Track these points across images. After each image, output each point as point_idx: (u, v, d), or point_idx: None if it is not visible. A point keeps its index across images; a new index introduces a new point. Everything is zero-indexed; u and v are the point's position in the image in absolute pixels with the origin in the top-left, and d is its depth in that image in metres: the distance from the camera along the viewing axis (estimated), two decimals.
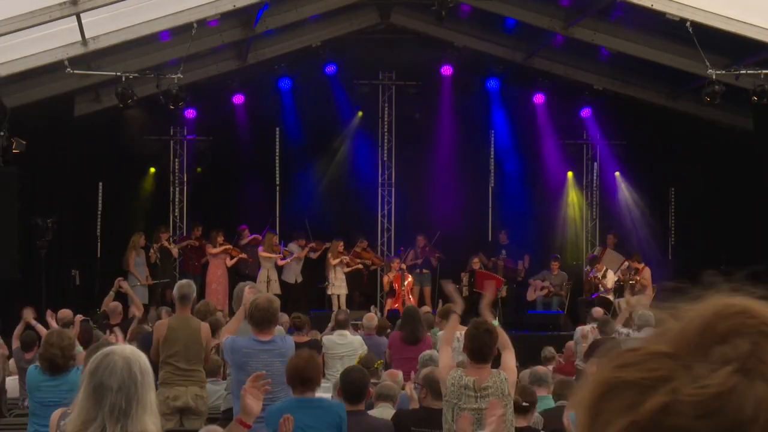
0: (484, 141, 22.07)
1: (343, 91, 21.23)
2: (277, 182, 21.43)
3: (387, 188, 21.97)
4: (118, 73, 16.43)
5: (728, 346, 1.04)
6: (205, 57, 18.68)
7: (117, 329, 10.80)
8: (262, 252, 19.56)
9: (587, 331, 13.70)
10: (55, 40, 15.33)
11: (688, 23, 15.65)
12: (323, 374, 9.95)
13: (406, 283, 19.92)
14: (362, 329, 12.98)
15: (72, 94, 18.07)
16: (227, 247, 19.60)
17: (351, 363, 9.96)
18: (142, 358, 3.09)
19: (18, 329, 11.94)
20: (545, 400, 8.68)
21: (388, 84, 21.92)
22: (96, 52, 15.98)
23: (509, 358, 6.62)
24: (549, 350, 14.12)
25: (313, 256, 20.14)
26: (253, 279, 17.74)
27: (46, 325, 11.99)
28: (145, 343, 9.53)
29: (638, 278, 19.25)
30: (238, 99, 20.92)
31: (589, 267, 20.26)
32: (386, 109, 21.92)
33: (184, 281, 10.05)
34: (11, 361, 12.29)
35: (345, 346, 11.81)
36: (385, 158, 21.98)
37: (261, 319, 7.26)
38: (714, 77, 16.24)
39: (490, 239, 21.56)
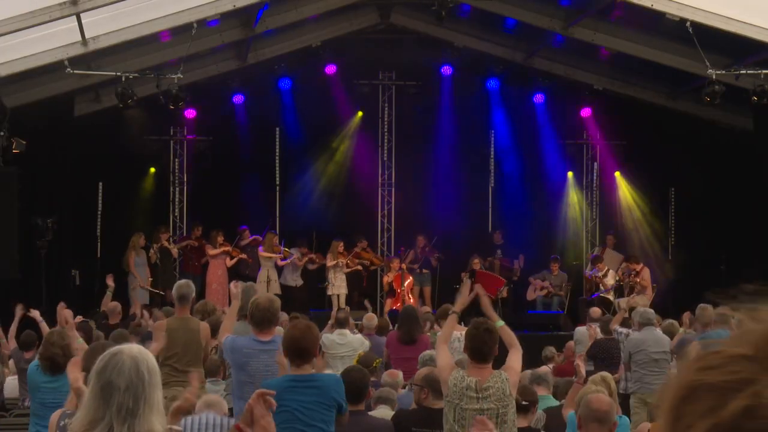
0: (484, 141, 22.07)
1: (343, 91, 21.21)
2: (277, 182, 21.43)
3: (387, 188, 21.97)
4: (118, 73, 16.43)
5: None
6: (205, 57, 18.68)
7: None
8: (262, 252, 19.56)
9: (589, 330, 13.66)
10: (55, 40, 15.32)
11: (688, 23, 15.65)
12: (320, 350, 9.89)
13: (406, 283, 19.91)
14: (363, 329, 12.98)
15: (72, 94, 18.07)
16: (226, 249, 19.59)
17: (351, 363, 9.96)
18: (150, 358, 3.09)
19: (12, 329, 11.91)
20: (545, 399, 8.68)
21: (388, 84, 21.92)
22: (96, 52, 15.98)
23: (515, 357, 6.60)
24: (550, 350, 14.14)
25: (311, 267, 20.14)
26: (253, 279, 17.76)
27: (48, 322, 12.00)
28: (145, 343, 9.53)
29: (638, 280, 19.23)
30: (238, 99, 20.92)
31: (591, 266, 20.24)
32: (386, 109, 21.92)
33: (182, 281, 10.04)
34: (11, 362, 12.27)
35: (345, 346, 11.81)
36: (385, 158, 21.98)
37: (262, 319, 7.24)
38: (714, 77, 16.23)
39: (492, 240, 21.52)
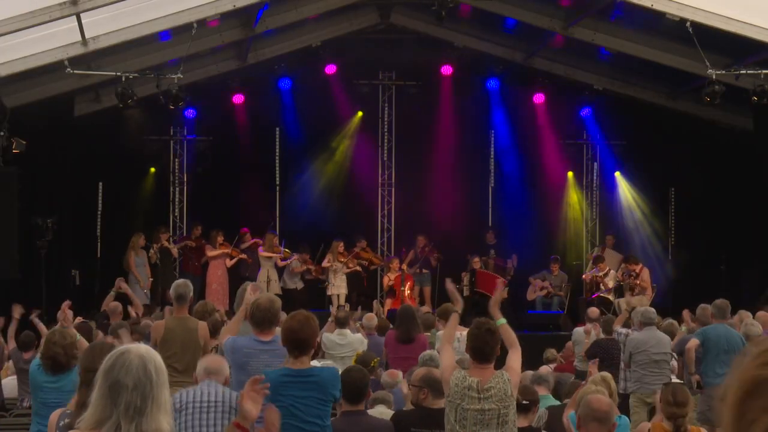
0: (484, 141, 22.08)
1: (343, 91, 21.22)
2: (277, 182, 21.44)
3: (387, 188, 21.98)
4: (118, 73, 16.43)
5: None
6: (205, 57, 18.67)
7: (123, 330, 10.75)
8: (262, 252, 19.56)
9: (589, 329, 13.68)
10: (55, 40, 15.32)
11: (688, 23, 15.65)
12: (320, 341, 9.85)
13: (407, 285, 19.91)
14: (363, 329, 12.98)
15: (72, 94, 18.07)
16: (225, 250, 19.58)
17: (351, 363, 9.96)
18: (157, 357, 3.09)
19: (11, 329, 11.90)
20: (545, 399, 8.69)
21: (388, 84, 21.92)
22: (96, 52, 15.97)
23: (514, 357, 6.60)
24: (551, 352, 14.16)
25: (308, 277, 20.14)
26: (253, 280, 17.74)
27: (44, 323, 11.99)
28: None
29: (638, 282, 19.21)
30: (238, 99, 20.92)
31: (593, 266, 20.23)
32: (386, 109, 21.92)
33: (180, 281, 10.01)
34: (10, 362, 12.27)
35: (346, 346, 11.80)
36: (385, 158, 21.98)
37: (262, 320, 7.23)
38: (714, 77, 16.23)
39: (485, 240, 21.50)
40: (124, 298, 13.57)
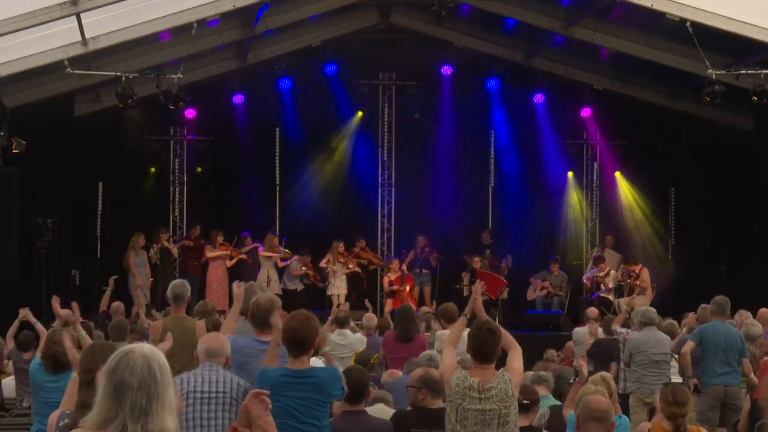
0: (484, 141, 22.07)
1: (343, 91, 21.22)
2: (277, 182, 21.43)
3: (387, 188, 21.97)
4: (118, 73, 16.43)
5: None
6: (205, 57, 18.68)
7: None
8: (262, 252, 19.56)
9: (594, 329, 13.65)
10: (55, 40, 15.32)
11: (688, 23, 15.65)
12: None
13: (407, 286, 19.91)
14: (362, 329, 12.99)
15: (72, 94, 18.08)
16: (225, 251, 19.57)
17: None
18: (161, 357, 3.09)
19: (12, 329, 11.89)
20: (546, 399, 8.70)
21: (388, 84, 21.92)
22: (96, 52, 15.98)
23: (515, 358, 6.59)
24: (551, 352, 14.16)
25: (306, 281, 20.13)
26: (253, 281, 17.73)
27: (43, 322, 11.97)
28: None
29: (638, 283, 19.21)
30: (238, 99, 20.92)
31: (593, 266, 20.23)
32: (386, 109, 21.92)
33: (177, 281, 9.99)
34: (9, 362, 12.26)
35: (346, 347, 11.80)
36: (385, 158, 21.98)
37: (263, 319, 7.21)
38: (714, 77, 16.23)
39: (481, 239, 21.49)
40: (124, 299, 13.59)
